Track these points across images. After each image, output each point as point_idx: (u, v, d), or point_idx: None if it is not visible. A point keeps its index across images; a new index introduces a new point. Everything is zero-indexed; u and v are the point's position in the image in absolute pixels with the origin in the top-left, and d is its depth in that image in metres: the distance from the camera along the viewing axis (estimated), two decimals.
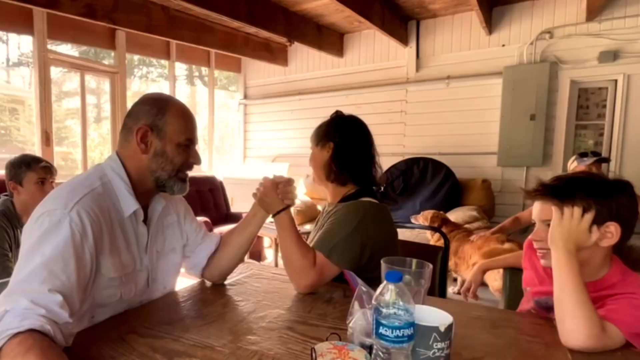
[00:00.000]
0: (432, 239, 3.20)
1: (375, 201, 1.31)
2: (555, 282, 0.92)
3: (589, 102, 3.90)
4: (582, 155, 2.63)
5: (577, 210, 0.91)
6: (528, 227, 2.85)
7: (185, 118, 1.05)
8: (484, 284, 3.00)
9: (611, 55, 3.59)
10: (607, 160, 2.61)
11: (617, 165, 3.74)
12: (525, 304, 1.18)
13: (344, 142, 1.32)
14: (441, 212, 3.39)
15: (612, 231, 0.92)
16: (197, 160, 1.09)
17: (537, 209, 1.04)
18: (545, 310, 1.06)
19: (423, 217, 3.35)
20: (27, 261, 0.80)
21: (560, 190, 0.96)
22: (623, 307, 0.88)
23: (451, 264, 3.15)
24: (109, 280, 0.95)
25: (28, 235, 0.85)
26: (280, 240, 1.21)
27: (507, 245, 2.77)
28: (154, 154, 1.02)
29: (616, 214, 0.92)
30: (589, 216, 0.91)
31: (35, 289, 0.77)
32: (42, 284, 0.77)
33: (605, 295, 0.93)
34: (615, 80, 3.70)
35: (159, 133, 1.01)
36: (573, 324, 0.85)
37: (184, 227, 1.21)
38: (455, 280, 3.33)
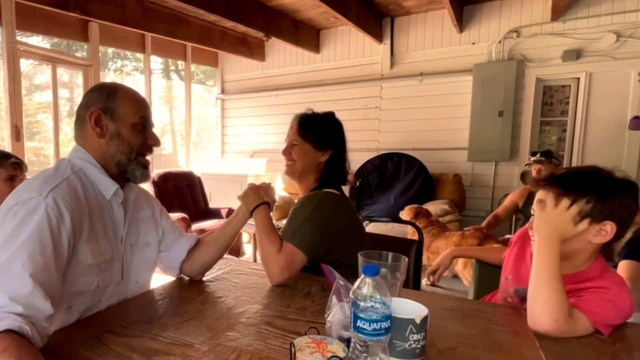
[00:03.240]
0: (409, 233, 3.28)
1: (335, 191, 1.38)
2: (533, 266, 0.95)
3: (553, 99, 4.06)
4: (533, 154, 2.76)
5: (564, 202, 0.94)
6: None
7: (136, 99, 1.07)
8: (456, 276, 3.12)
9: (574, 54, 3.74)
10: (550, 155, 2.73)
11: (579, 160, 3.91)
12: (500, 293, 1.21)
13: (339, 151, 1.42)
14: (416, 206, 3.47)
15: (608, 230, 0.93)
16: (156, 142, 1.10)
17: (538, 199, 1.03)
18: (521, 301, 1.09)
19: (405, 213, 3.43)
20: (3, 250, 0.79)
21: (565, 182, 0.97)
22: (594, 298, 0.92)
23: (425, 258, 3.24)
24: (87, 267, 0.95)
25: (2, 226, 0.84)
26: (256, 234, 1.27)
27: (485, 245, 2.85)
28: (110, 137, 1.03)
29: (616, 213, 0.92)
30: (575, 208, 0.93)
31: (15, 276, 0.76)
32: (23, 269, 0.77)
33: (582, 288, 0.96)
34: (578, 78, 3.86)
35: (112, 115, 1.02)
36: (542, 307, 0.89)
37: (159, 221, 1.21)
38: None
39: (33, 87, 5.88)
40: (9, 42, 3.49)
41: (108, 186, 1.02)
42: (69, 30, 4.03)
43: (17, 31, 3.54)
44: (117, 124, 1.03)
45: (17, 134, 3.61)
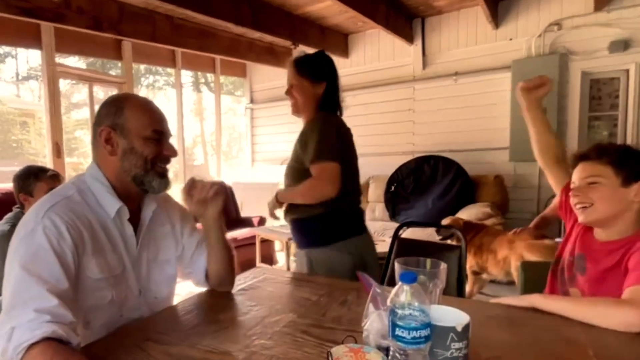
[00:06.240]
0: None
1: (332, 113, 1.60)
2: None
3: (601, 93, 3.83)
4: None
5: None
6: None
7: (146, 111, 1.02)
8: (511, 282, 2.96)
9: (622, 45, 3.52)
10: None
11: None
12: (557, 264, 1.23)
13: (333, 82, 1.60)
14: (459, 218, 3.30)
15: None
16: (172, 152, 1.05)
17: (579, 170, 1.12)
18: (576, 267, 1.15)
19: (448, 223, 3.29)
20: (10, 272, 0.81)
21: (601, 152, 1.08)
22: None
23: (480, 261, 3.06)
24: (97, 282, 0.95)
25: (9, 249, 0.86)
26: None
27: (546, 241, 2.69)
28: (123, 154, 1.00)
29: None
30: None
31: (33, 295, 0.77)
32: (38, 286, 0.78)
33: (632, 245, 1.01)
34: (627, 70, 3.62)
35: (122, 131, 0.98)
36: None
37: (179, 238, 1.18)
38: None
39: (71, 105, 6.12)
40: (48, 64, 3.62)
41: (111, 205, 0.99)
42: (104, 49, 4.17)
43: (55, 53, 3.67)
44: (128, 139, 0.99)
45: (57, 150, 3.73)
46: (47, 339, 0.72)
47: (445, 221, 3.28)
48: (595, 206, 1.06)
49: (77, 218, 0.92)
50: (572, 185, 1.13)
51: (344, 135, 1.55)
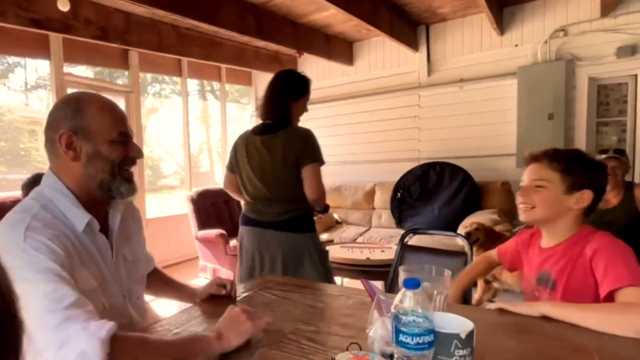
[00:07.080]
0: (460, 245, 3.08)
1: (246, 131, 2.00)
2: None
3: (609, 99, 3.79)
4: (602, 152, 2.67)
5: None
6: None
7: (109, 111, 0.95)
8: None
9: (629, 50, 3.49)
10: (621, 152, 2.65)
11: None
12: (527, 297, 1.26)
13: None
14: (480, 223, 3.21)
15: (585, 197, 1.10)
16: (138, 154, 1.00)
17: (528, 172, 1.20)
18: (545, 285, 1.15)
19: (463, 227, 3.24)
20: (31, 295, 0.75)
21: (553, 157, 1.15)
22: (612, 266, 0.98)
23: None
24: (89, 293, 0.90)
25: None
26: None
27: None
28: (87, 159, 0.93)
29: (593, 182, 1.11)
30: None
31: (72, 301, 0.76)
32: (72, 295, 0.78)
33: (582, 248, 1.07)
34: (635, 75, 3.59)
35: (85, 135, 0.91)
36: None
37: (142, 238, 1.20)
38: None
39: None
40: (57, 73, 3.66)
41: (78, 219, 0.92)
42: (111, 59, 4.21)
43: (63, 63, 3.72)
44: (92, 142, 0.92)
45: None
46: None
47: (468, 226, 3.19)
48: (536, 209, 1.14)
49: (55, 231, 0.86)
50: (521, 184, 1.21)
51: (239, 150, 1.93)
